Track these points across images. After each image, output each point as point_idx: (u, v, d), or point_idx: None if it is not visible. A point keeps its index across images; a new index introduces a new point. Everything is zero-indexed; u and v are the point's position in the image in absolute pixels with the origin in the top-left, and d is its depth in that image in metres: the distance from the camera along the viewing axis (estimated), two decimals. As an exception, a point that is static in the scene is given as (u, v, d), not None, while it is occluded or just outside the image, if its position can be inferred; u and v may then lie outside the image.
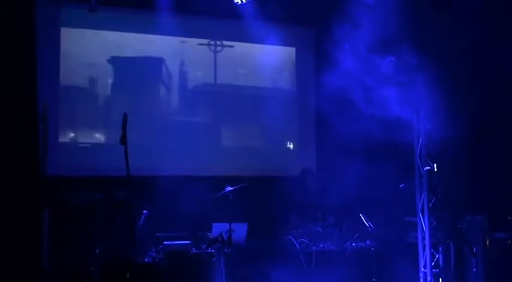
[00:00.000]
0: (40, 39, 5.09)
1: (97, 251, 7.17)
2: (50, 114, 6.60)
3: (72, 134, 9.47)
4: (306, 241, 8.28)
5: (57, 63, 9.22)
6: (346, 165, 9.40)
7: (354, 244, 8.44)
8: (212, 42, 10.34)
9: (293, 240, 8.25)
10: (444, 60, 8.89)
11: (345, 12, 9.43)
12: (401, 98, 9.21)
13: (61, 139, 9.23)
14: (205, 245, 7.79)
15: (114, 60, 9.79)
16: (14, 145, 5.37)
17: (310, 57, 10.88)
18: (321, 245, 8.39)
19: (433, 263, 8.52)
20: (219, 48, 10.37)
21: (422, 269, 8.57)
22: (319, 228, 8.59)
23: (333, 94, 9.52)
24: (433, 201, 8.49)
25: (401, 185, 8.74)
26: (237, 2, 9.27)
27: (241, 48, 10.50)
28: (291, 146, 10.70)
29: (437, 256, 8.55)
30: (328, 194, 9.21)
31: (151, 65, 9.95)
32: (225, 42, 10.42)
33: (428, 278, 8.47)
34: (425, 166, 8.53)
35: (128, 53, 9.84)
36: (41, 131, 5.93)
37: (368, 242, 8.48)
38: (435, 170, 8.49)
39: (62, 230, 7.30)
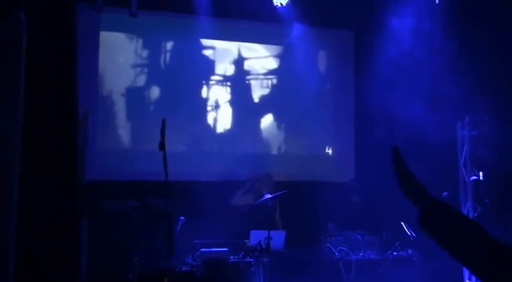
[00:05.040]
0: (80, 43, 5.02)
1: (135, 258, 7.07)
2: (89, 119, 6.56)
3: (110, 139, 9.41)
4: (345, 249, 8.13)
5: (95, 68, 9.19)
6: (386, 172, 9.23)
7: (394, 253, 8.25)
8: (251, 46, 10.22)
9: (332, 248, 8.11)
10: (492, 61, 8.66)
11: (385, 15, 9.32)
12: (444, 102, 9.05)
13: (99, 144, 9.17)
14: (243, 253, 7.66)
15: (154, 65, 9.72)
16: (53, 150, 5.27)
17: (349, 60, 10.68)
18: (361, 254, 8.23)
19: (478, 276, 8.24)
20: (257, 52, 10.25)
21: (467, 281, 8.31)
22: (359, 236, 8.42)
23: (372, 99, 9.40)
24: (478, 210, 8.24)
25: (444, 193, 8.48)
26: (277, 5, 9.16)
27: (279, 52, 10.36)
28: (330, 152, 10.50)
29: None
30: (368, 201, 9.08)
31: (191, 70, 9.83)
32: (264, 46, 10.29)
33: (473, 290, 8.26)
34: (470, 174, 8.30)
35: (167, 58, 9.76)
36: (81, 136, 5.86)
37: (410, 251, 8.30)
38: (481, 178, 8.25)
39: (99, 238, 7.26)
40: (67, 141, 5.07)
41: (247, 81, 10.25)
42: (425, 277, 7.98)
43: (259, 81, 10.29)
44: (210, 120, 9.98)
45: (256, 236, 7.57)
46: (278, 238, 7.76)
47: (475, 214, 8.22)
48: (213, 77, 10.02)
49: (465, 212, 8.31)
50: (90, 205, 6.39)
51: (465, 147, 8.43)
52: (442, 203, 2.63)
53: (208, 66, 9.97)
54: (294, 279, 7.64)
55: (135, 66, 9.56)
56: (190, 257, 7.65)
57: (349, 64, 10.69)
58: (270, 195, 7.96)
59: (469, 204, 8.25)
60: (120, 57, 9.42)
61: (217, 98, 10.00)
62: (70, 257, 4.90)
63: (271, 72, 10.35)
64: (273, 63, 10.38)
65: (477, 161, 8.39)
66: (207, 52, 9.96)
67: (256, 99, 10.25)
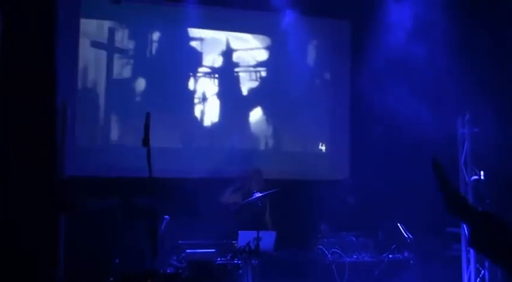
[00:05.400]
0: (60, 30, 5.03)
1: (116, 260, 7.08)
2: (68, 112, 6.57)
3: (90, 134, 9.43)
4: (339, 252, 8.18)
5: (75, 57, 9.17)
6: (383, 170, 9.31)
7: (390, 256, 8.32)
8: (240, 35, 10.24)
9: (324, 250, 8.16)
10: (493, 56, 8.72)
11: (384, 4, 9.36)
12: (443, 99, 9.11)
13: (78, 139, 9.18)
14: (230, 255, 7.68)
15: (139, 56, 9.75)
16: (30, 144, 5.28)
17: (345, 52, 10.71)
18: (355, 256, 8.29)
19: (478, 280, 8.35)
20: (247, 42, 10.27)
21: (467, 286, 8.42)
22: (353, 238, 8.49)
23: (369, 93, 9.44)
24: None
25: (443, 193, 8.56)
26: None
27: (270, 42, 10.39)
28: (323, 148, 10.54)
29: (482, 272, 8.36)
30: (362, 200, 9.13)
31: (178, 61, 9.82)
32: (254, 36, 10.33)
33: (473, 296, 8.34)
34: (471, 173, 8.35)
35: (152, 48, 9.80)
36: (60, 130, 5.87)
37: (406, 253, 8.38)
38: (482, 178, 8.31)
39: (78, 238, 7.27)
40: (45, 135, 5.09)
41: (236, 73, 10.27)
42: (422, 280, 8.04)
43: (248, 73, 10.31)
44: (197, 113, 10.00)
45: (245, 237, 7.57)
46: (268, 239, 7.75)
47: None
48: (200, 69, 10.04)
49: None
50: (69, 203, 6.40)
51: (466, 145, 8.47)
52: (492, 215, 2.66)
53: (195, 57, 9.99)
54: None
55: (119, 57, 9.56)
56: (175, 258, 7.64)
57: (345, 56, 10.71)
58: (260, 194, 7.97)
59: (469, 204, 8.31)
60: (103, 47, 9.40)
61: (205, 90, 10.01)
62: (47, 257, 4.93)
63: (261, 63, 10.37)
64: (263, 54, 10.40)
65: (478, 160, 8.43)
66: (194, 42, 9.97)
67: (245, 92, 10.28)
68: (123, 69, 9.63)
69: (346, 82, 10.65)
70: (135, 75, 9.70)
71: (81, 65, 9.30)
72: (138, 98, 9.70)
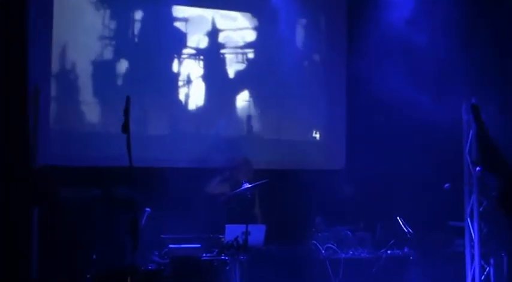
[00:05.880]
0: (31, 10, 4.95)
1: (93, 256, 7.07)
2: (41, 98, 6.52)
3: (66, 120, 9.32)
4: (334, 247, 8.19)
5: (49, 40, 9.07)
6: (381, 160, 9.31)
7: (389, 252, 8.32)
8: (227, 14, 10.20)
9: (318, 245, 8.16)
10: (502, 31, 8.74)
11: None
12: (447, 83, 9.10)
13: (53, 126, 9.10)
14: (217, 250, 7.69)
15: (119, 37, 9.66)
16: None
17: (341, 32, 10.66)
18: (351, 252, 8.30)
19: (482, 277, 8.35)
20: (234, 21, 10.23)
21: (470, 283, 8.45)
22: (349, 233, 8.49)
23: (367, 76, 9.43)
24: (484, 204, 8.32)
25: (445, 185, 8.58)
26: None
27: (259, 20, 10.32)
28: (317, 136, 10.52)
29: (488, 269, 8.37)
30: (360, 192, 9.13)
31: (160, 42, 9.76)
32: (242, 13, 10.28)
33: (477, 295, 8.36)
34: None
35: (134, 28, 9.72)
36: (31, 116, 5.83)
37: (406, 249, 8.39)
38: (489, 168, 8.33)
39: (53, 232, 7.24)
40: (16, 123, 5.04)
41: (222, 55, 10.19)
42: (423, 279, 8.08)
43: (235, 55, 10.23)
44: (181, 97, 9.95)
45: (233, 231, 7.57)
46: (257, 233, 7.75)
47: (481, 209, 8.29)
48: (185, 50, 9.97)
49: (469, 207, 8.40)
50: (43, 194, 6.37)
51: (471, 133, 8.47)
52: None
53: (180, 38, 9.92)
54: (274, 280, 7.67)
55: (100, 37, 9.49)
56: (157, 254, 7.65)
57: (341, 36, 10.67)
58: (249, 185, 7.91)
59: (474, 197, 8.32)
60: (82, 26, 9.34)
61: (190, 72, 9.96)
62: (16, 252, 4.89)
63: (249, 44, 10.30)
64: (251, 34, 10.34)
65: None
66: (179, 22, 9.90)
67: (232, 75, 10.22)
68: (104, 50, 9.54)
69: (343, 64, 10.59)
70: (117, 57, 9.61)
71: (58, 45, 9.20)
72: (119, 81, 9.64)
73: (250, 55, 10.30)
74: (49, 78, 9.07)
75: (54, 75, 9.21)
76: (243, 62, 10.27)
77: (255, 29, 10.32)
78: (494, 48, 8.96)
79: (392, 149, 9.44)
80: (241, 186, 8.03)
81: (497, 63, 8.84)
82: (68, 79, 9.33)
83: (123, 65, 9.64)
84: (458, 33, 8.89)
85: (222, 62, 10.19)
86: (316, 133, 10.51)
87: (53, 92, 9.10)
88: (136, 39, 9.77)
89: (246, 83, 10.27)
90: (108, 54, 9.55)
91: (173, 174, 8.61)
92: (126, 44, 9.71)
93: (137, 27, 9.75)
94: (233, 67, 10.21)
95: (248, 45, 10.29)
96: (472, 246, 8.40)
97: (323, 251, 8.11)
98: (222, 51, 10.18)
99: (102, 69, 9.51)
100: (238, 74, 10.23)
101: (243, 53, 10.27)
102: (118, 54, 9.61)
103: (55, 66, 9.20)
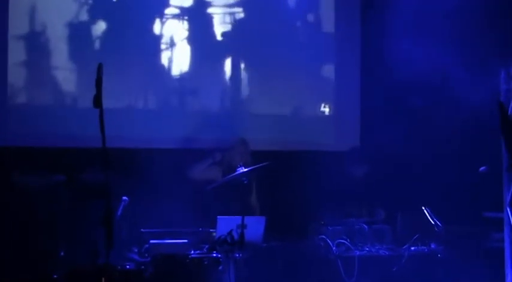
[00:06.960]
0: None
1: (61, 253, 7.04)
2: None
3: (26, 92, 9.37)
4: (347, 243, 8.16)
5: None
6: (402, 138, 9.29)
7: (412, 248, 8.27)
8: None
9: (328, 241, 8.11)
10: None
11: None
12: (481, 48, 9.09)
13: (11, 100, 9.15)
14: (207, 247, 7.67)
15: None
16: None
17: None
18: (367, 249, 8.25)
19: (525, 278, 8.35)
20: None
21: (511, 284, 8.43)
22: (365, 225, 8.44)
23: (386, 41, 9.42)
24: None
25: (481, 168, 8.54)
26: None
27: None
28: (326, 110, 10.51)
29: (531, 267, 8.37)
30: (378, 178, 9.10)
31: (138, 1, 9.82)
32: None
33: (518, 296, 8.35)
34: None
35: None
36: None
37: (433, 245, 8.34)
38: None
39: (12, 224, 7.25)
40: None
41: (209, 15, 10.21)
42: (453, 281, 8.05)
43: (223, 14, 10.24)
44: (164, 62, 9.97)
45: (226, 224, 7.58)
46: (255, 226, 7.77)
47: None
48: (167, 10, 10.00)
49: (510, 195, 8.37)
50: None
51: (511, 105, 8.44)
52: None
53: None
54: (275, 281, 7.66)
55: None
56: (136, 251, 7.63)
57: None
58: (245, 169, 7.92)
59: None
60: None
61: (173, 34, 9.99)
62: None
63: (241, 1, 10.34)
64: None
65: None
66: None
67: (220, 37, 10.22)
68: (79, 11, 9.54)
69: (356, 25, 10.61)
70: (92, 18, 9.61)
71: (26, 5, 9.22)
72: (96, 45, 9.67)
73: (241, 14, 10.33)
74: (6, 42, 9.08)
75: (14, 38, 9.19)
76: (233, 23, 10.29)
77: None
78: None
79: (416, 126, 9.45)
80: (236, 171, 8.00)
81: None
82: (33, 43, 9.33)
83: (99, 27, 9.64)
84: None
85: (209, 22, 10.19)
86: (325, 107, 10.51)
87: (13, 58, 9.10)
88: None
89: (237, 47, 10.30)
90: (83, 15, 9.54)
91: (155, 156, 8.69)
92: (102, 3, 9.70)
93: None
94: (222, 28, 10.22)
95: (239, 3, 10.30)
96: (513, 242, 8.40)
97: (334, 248, 8.05)
98: (209, 10, 10.19)
99: (76, 32, 9.50)
100: (228, 36, 10.24)
101: (232, 13, 10.30)
102: (94, 16, 9.60)
103: (16, 29, 9.18)
